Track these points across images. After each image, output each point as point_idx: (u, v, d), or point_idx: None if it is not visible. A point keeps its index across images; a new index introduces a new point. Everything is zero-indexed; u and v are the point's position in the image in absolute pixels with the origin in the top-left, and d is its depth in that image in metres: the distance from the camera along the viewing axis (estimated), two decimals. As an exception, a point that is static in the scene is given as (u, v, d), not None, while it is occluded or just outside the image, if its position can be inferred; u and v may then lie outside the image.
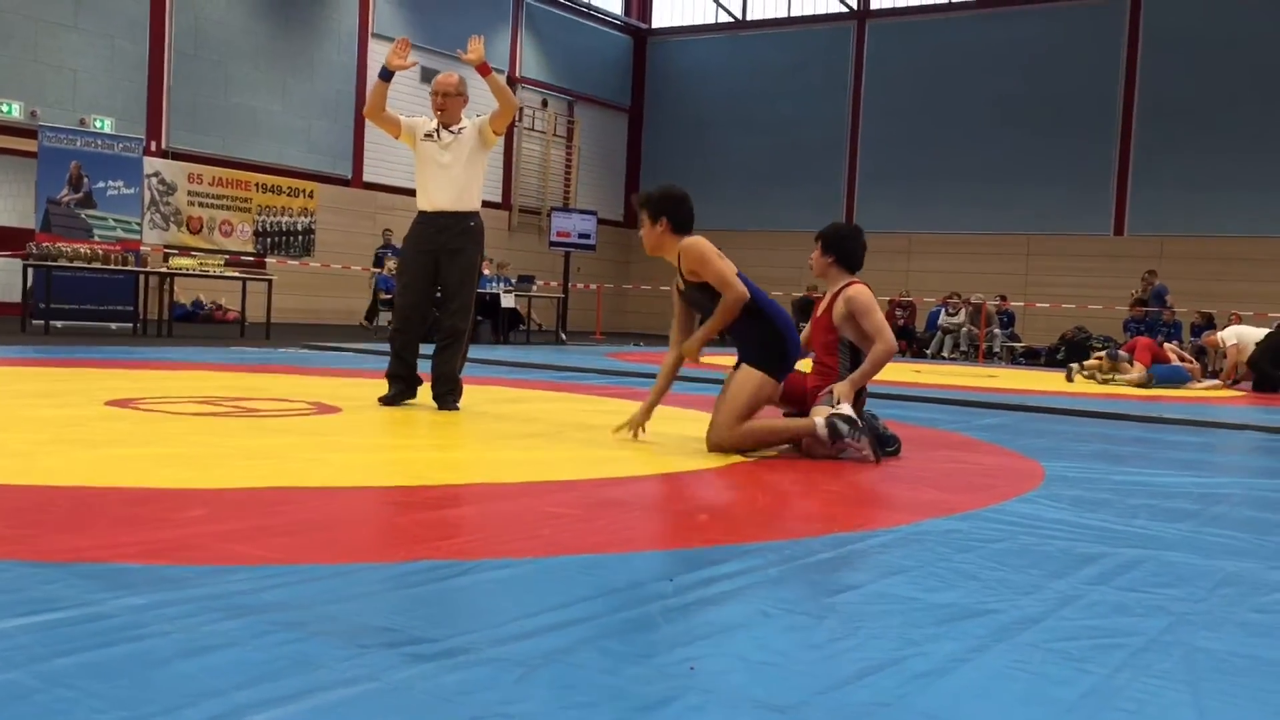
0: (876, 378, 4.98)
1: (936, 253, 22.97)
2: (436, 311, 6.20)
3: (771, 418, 4.83)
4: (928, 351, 19.48)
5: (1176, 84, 21.23)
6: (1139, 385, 11.49)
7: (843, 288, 5.05)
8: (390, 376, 6.03)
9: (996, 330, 19.62)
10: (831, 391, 4.82)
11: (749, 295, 4.67)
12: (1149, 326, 17.89)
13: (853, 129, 24.35)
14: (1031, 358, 18.91)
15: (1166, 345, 13.28)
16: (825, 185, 24.33)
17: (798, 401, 4.96)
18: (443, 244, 5.86)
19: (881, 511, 3.61)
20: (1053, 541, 3.10)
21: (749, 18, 25.84)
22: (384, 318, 16.98)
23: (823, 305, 5.14)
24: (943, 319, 19.83)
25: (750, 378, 4.68)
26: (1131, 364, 11.85)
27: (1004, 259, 22.44)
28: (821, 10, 24.96)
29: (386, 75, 5.87)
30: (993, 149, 22.74)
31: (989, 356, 19.22)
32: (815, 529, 3.17)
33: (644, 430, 4.91)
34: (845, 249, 5.10)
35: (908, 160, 23.51)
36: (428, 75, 21.35)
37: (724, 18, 26.13)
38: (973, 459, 5.00)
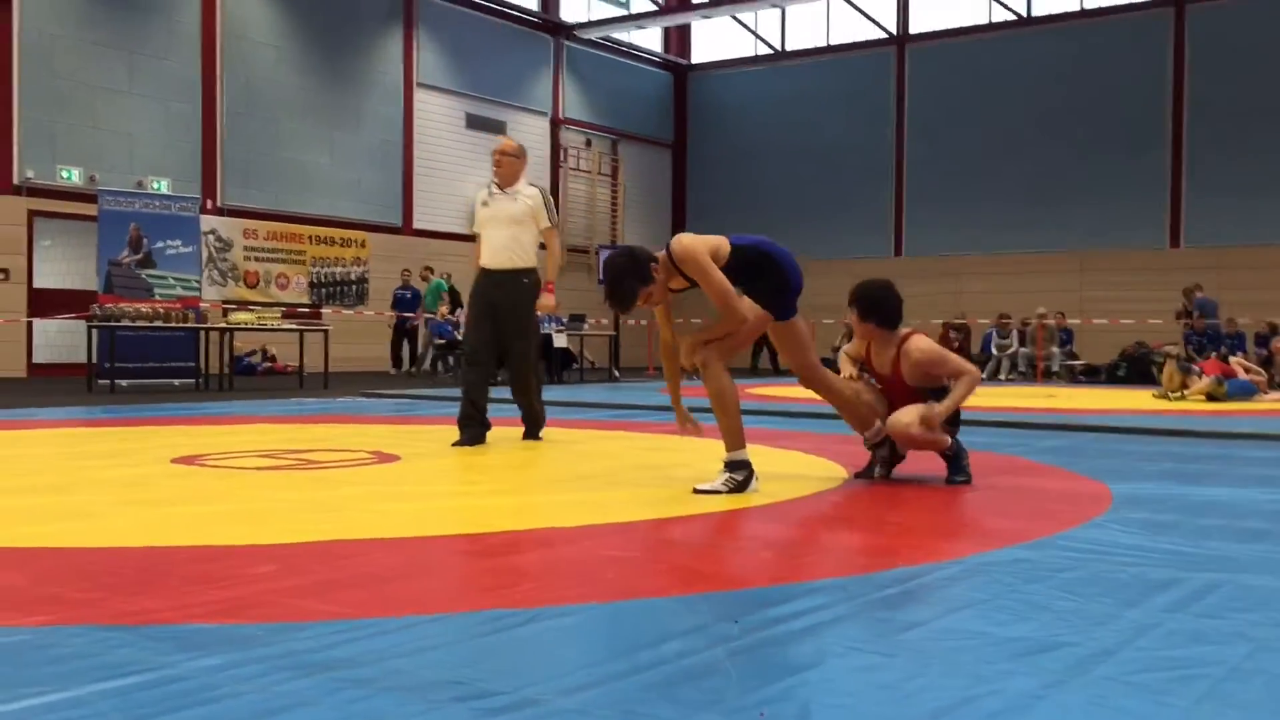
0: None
1: (988, 273, 22.75)
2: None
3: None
4: (983, 374, 19.29)
5: (1226, 91, 20.94)
6: (1211, 395, 11.27)
7: (901, 344, 4.88)
8: (461, 422, 6.40)
9: (1055, 349, 19.36)
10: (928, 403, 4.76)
11: (747, 317, 4.58)
12: (1210, 339, 17.56)
13: (897, 153, 24.27)
14: (1091, 375, 18.63)
15: (1232, 359, 13.03)
16: (872, 211, 24.24)
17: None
18: (499, 299, 6.45)
19: (946, 542, 3.56)
20: (1125, 568, 3.04)
21: (788, 48, 25.92)
22: (434, 363, 17.11)
23: (885, 363, 4.92)
24: (995, 341, 19.63)
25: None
26: (1200, 376, 11.64)
27: (1057, 276, 22.17)
28: (860, 37, 24.97)
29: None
30: (1041, 166, 22.54)
31: (1048, 376, 18.96)
32: (879, 563, 3.14)
33: (696, 425, 4.96)
34: (884, 311, 4.90)
35: (954, 182, 23.37)
36: (473, 121, 21.67)
37: (763, 49, 26.23)
38: (1036, 484, 4.93)
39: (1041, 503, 4.35)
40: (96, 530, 3.53)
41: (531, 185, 6.61)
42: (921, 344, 4.85)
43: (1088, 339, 20.36)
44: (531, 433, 6.68)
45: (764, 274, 4.66)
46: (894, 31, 24.48)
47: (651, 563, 3.11)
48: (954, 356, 4.95)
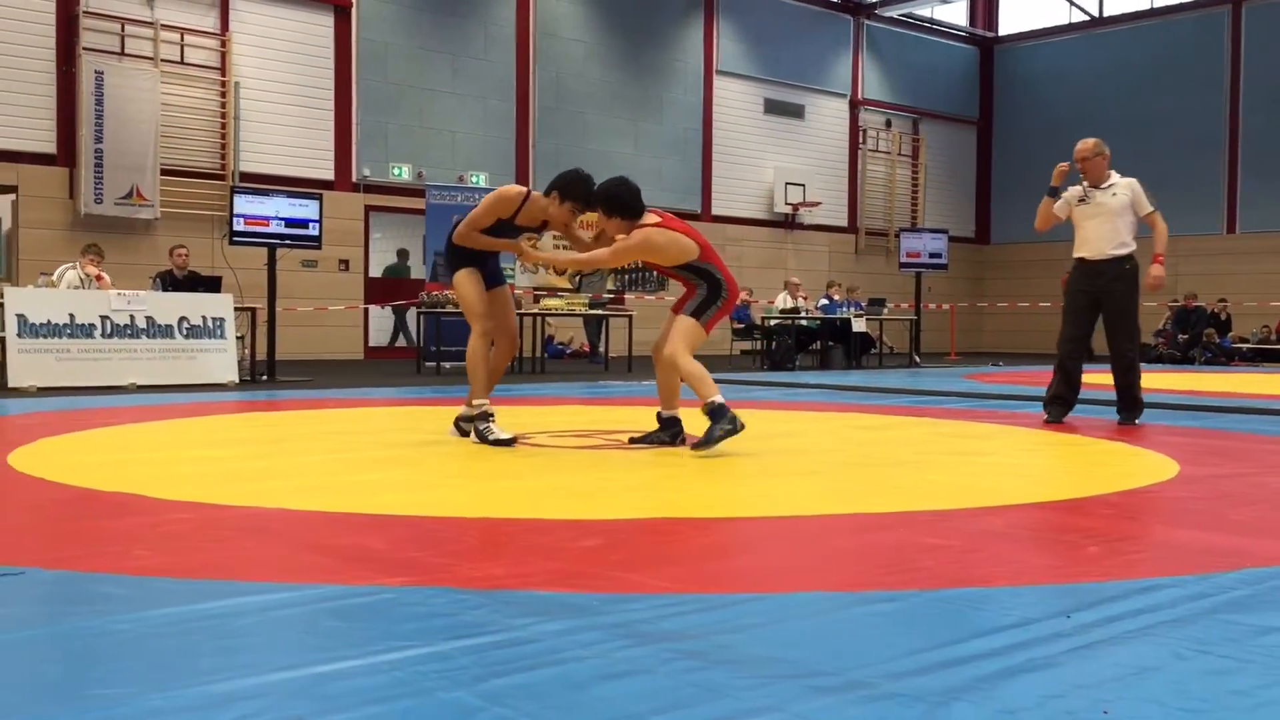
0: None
1: (1340, 251, 20.60)
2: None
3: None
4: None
5: None
6: None
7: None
8: (1049, 401, 7.04)
9: None
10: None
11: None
12: None
13: (1231, 123, 22.34)
14: None
15: None
16: (1199, 186, 22.44)
17: None
18: (1100, 287, 6.86)
19: (1299, 544, 3.28)
20: None
21: (1105, 14, 24.38)
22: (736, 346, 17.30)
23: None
24: (1350, 324, 17.73)
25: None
26: None
27: None
28: (1189, -2, 23.16)
29: (1053, 193, 7.10)
30: (1404, 130, 20.14)
31: None
32: (1225, 563, 2.93)
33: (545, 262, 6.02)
34: (623, 204, 5.35)
35: (1300, 151, 21.26)
36: (771, 106, 21.72)
37: (1078, 17, 24.80)
38: (1405, 484, 4.44)
39: None
40: (441, 501, 3.83)
41: (1124, 177, 6.96)
42: (635, 234, 5.26)
43: None
44: (1128, 417, 6.88)
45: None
46: (1228, -11, 22.54)
47: (972, 552, 3.04)
48: (621, 242, 5.32)
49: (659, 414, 5.62)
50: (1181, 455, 5.24)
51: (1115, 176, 6.96)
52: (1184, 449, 5.56)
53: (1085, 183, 6.99)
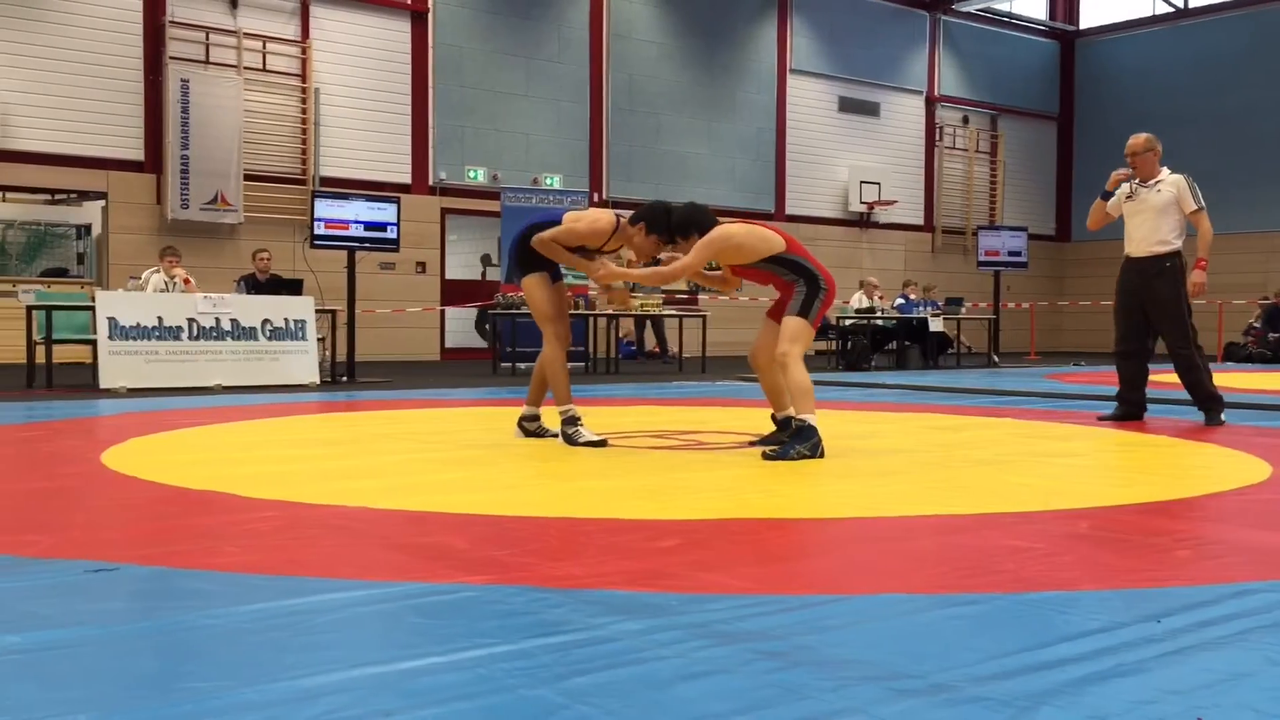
0: None
1: None
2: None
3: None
4: None
5: None
6: None
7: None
8: (1119, 398, 7.00)
9: None
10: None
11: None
12: None
13: (1325, 113, 21.64)
14: None
15: None
16: (1291, 179, 21.80)
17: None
18: (1140, 285, 6.79)
19: (1401, 549, 3.17)
20: None
21: (1191, 5, 23.77)
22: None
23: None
24: None
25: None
26: None
27: None
28: (1279, -14, 22.48)
29: (1105, 196, 7.05)
30: None
31: None
32: (1321, 568, 2.85)
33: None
34: (699, 224, 5.41)
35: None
36: (845, 104, 21.54)
37: (1162, 8, 24.22)
38: None
39: None
40: (519, 501, 3.87)
41: (1174, 174, 6.87)
42: (711, 231, 5.32)
43: None
44: (1212, 416, 6.66)
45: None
46: (1321, -24, 21.85)
47: (1057, 555, 2.99)
48: (691, 260, 5.33)
49: (773, 416, 5.60)
50: (1274, 457, 5.10)
51: (1165, 173, 6.88)
52: (1276, 450, 5.40)
53: (1135, 179, 6.91)
